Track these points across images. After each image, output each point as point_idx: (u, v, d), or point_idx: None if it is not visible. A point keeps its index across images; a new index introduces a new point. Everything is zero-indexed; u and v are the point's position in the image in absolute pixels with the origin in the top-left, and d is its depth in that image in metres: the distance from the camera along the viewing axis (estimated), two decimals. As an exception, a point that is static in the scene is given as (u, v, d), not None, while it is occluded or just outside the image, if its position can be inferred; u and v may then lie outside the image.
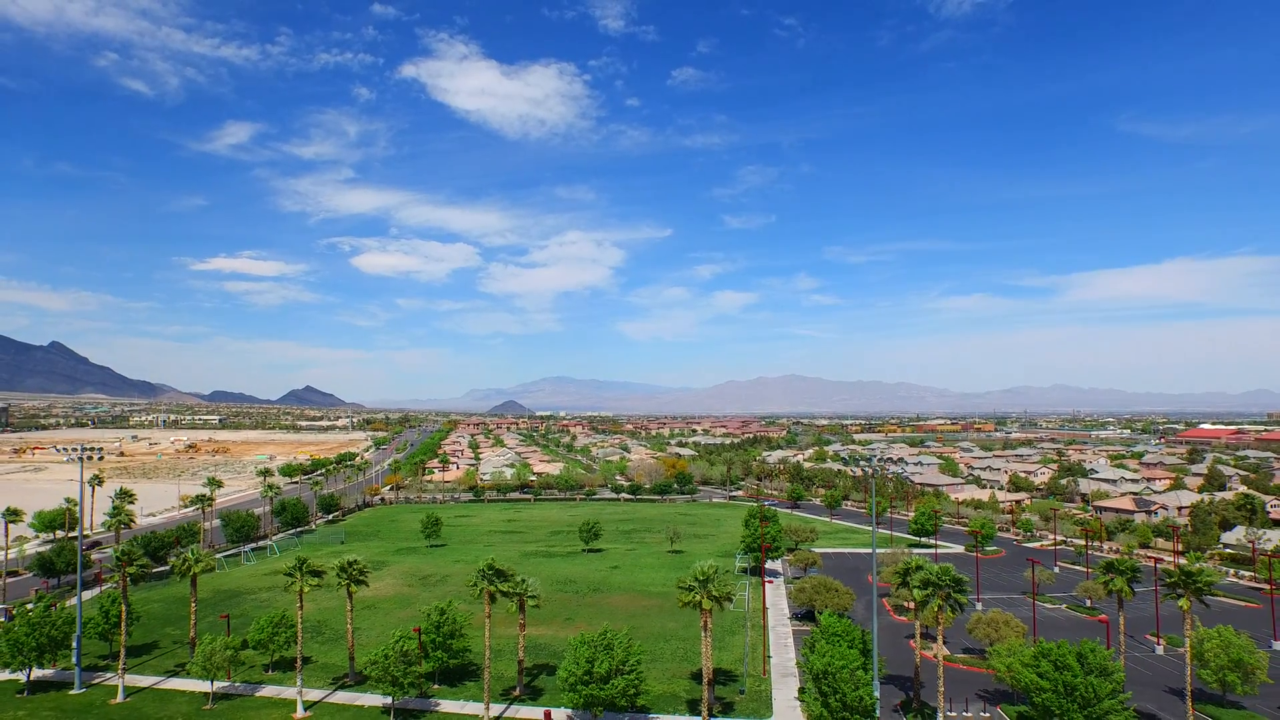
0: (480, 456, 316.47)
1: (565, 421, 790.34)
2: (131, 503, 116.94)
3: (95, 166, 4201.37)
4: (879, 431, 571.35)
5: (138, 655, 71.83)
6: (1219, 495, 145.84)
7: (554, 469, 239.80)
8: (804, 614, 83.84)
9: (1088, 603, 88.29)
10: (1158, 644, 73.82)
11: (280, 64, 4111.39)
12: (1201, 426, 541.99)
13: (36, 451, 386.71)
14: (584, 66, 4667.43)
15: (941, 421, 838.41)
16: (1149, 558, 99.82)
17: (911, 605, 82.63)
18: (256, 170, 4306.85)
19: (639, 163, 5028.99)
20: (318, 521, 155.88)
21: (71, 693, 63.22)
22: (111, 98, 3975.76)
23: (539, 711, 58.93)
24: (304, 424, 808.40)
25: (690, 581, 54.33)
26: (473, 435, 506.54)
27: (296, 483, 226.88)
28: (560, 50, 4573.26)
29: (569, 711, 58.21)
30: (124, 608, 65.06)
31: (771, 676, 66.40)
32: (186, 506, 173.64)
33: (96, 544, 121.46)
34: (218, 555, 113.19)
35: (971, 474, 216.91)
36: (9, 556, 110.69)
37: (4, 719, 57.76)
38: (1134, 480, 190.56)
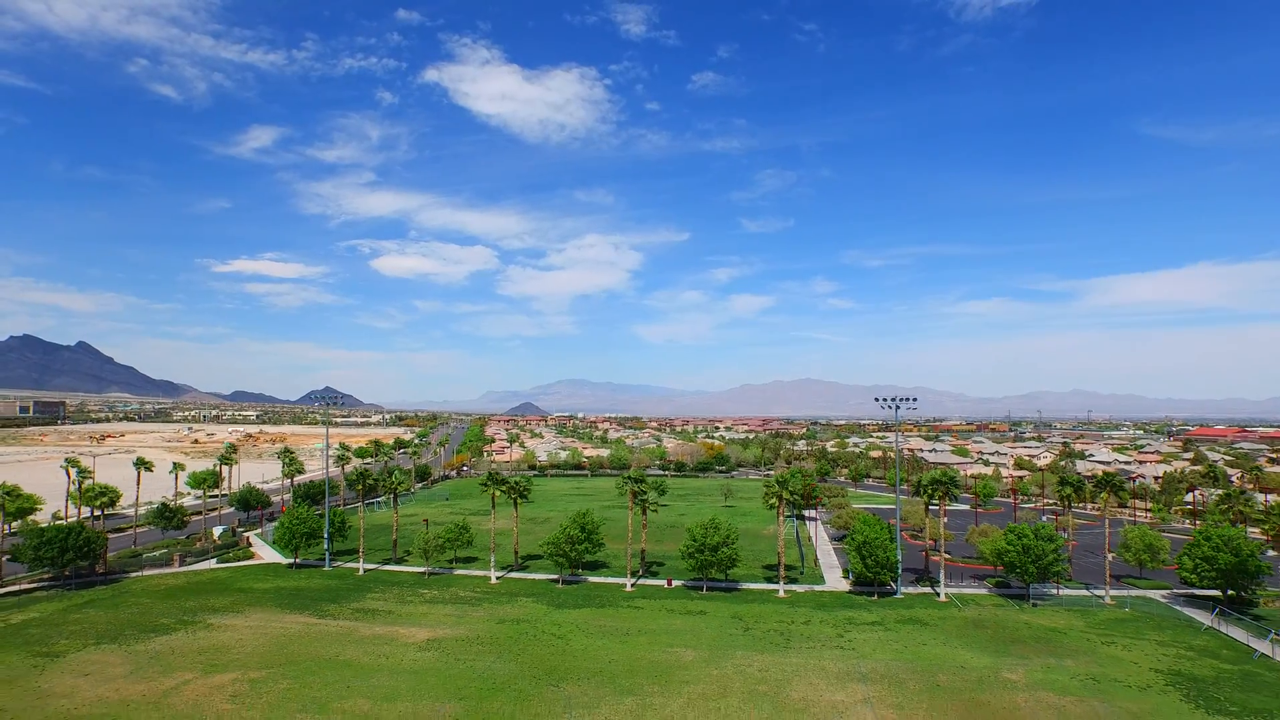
0: (525, 445, 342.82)
1: (591, 419, 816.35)
2: (294, 460, 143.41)
3: (123, 170, 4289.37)
4: (897, 430, 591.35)
5: (349, 555, 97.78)
6: (1192, 468, 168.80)
7: (601, 453, 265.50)
8: (841, 537, 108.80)
9: (1066, 534, 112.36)
10: (1109, 555, 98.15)
11: (305, 69, 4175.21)
12: (1214, 427, 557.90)
13: (109, 440, 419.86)
14: (605, 71, 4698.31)
15: (958, 423, 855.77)
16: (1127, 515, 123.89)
17: (922, 532, 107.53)
18: (279, 173, 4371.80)
19: (658, 166, 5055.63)
20: (415, 487, 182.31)
21: (324, 569, 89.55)
22: (140, 103, 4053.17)
23: (661, 582, 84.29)
24: (338, 420, 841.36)
25: (773, 483, 79.65)
26: (508, 429, 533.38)
27: (368, 462, 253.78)
28: (582, 55, 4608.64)
29: (680, 582, 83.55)
30: (362, 512, 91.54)
31: (821, 567, 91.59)
32: (285, 479, 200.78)
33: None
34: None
35: (982, 457, 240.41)
36: (195, 501, 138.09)
37: (290, 575, 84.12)
38: (1126, 463, 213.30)
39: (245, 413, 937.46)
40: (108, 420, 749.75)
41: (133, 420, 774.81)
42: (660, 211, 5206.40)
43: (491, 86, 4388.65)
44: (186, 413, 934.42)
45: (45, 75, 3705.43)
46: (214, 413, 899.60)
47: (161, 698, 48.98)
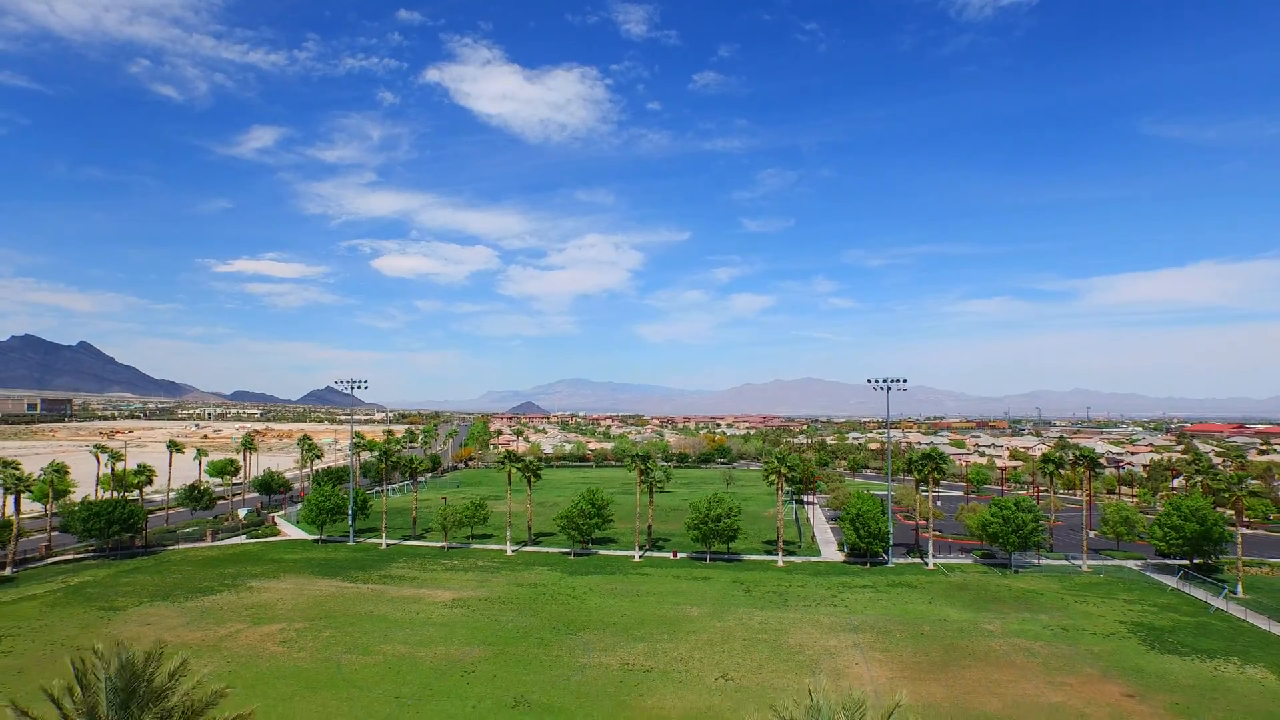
0: (530, 440, 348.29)
1: (593, 416, 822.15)
2: (313, 446, 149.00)
3: (124, 170, 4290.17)
4: (897, 428, 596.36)
5: (371, 532, 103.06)
6: (1180, 456, 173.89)
7: (606, 446, 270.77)
8: (837, 517, 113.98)
9: (1051, 515, 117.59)
10: (1091, 533, 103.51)
11: (306, 69, 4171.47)
12: (1213, 424, 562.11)
13: (118, 435, 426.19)
14: (606, 71, 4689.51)
15: (957, 421, 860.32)
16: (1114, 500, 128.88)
17: (914, 512, 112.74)
18: (280, 174, 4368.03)
19: (659, 166, 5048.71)
20: (427, 476, 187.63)
21: (348, 544, 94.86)
22: (142, 103, 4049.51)
23: (667, 554, 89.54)
24: (342, 418, 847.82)
25: (773, 460, 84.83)
26: (512, 425, 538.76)
27: (377, 455, 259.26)
28: (583, 55, 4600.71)
29: (685, 554, 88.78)
30: (385, 493, 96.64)
31: (818, 543, 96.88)
32: (303, 467, 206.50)
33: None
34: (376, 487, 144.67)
35: (978, 449, 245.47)
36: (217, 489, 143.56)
37: (317, 549, 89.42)
38: (1119, 454, 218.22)
39: (249, 411, 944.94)
40: (112, 419, 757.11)
41: (137, 418, 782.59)
42: (661, 211, 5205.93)
43: (492, 86, 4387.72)
44: (190, 411, 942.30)
45: (47, 76, 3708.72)
46: (218, 411, 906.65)
47: (218, 642, 54.30)
